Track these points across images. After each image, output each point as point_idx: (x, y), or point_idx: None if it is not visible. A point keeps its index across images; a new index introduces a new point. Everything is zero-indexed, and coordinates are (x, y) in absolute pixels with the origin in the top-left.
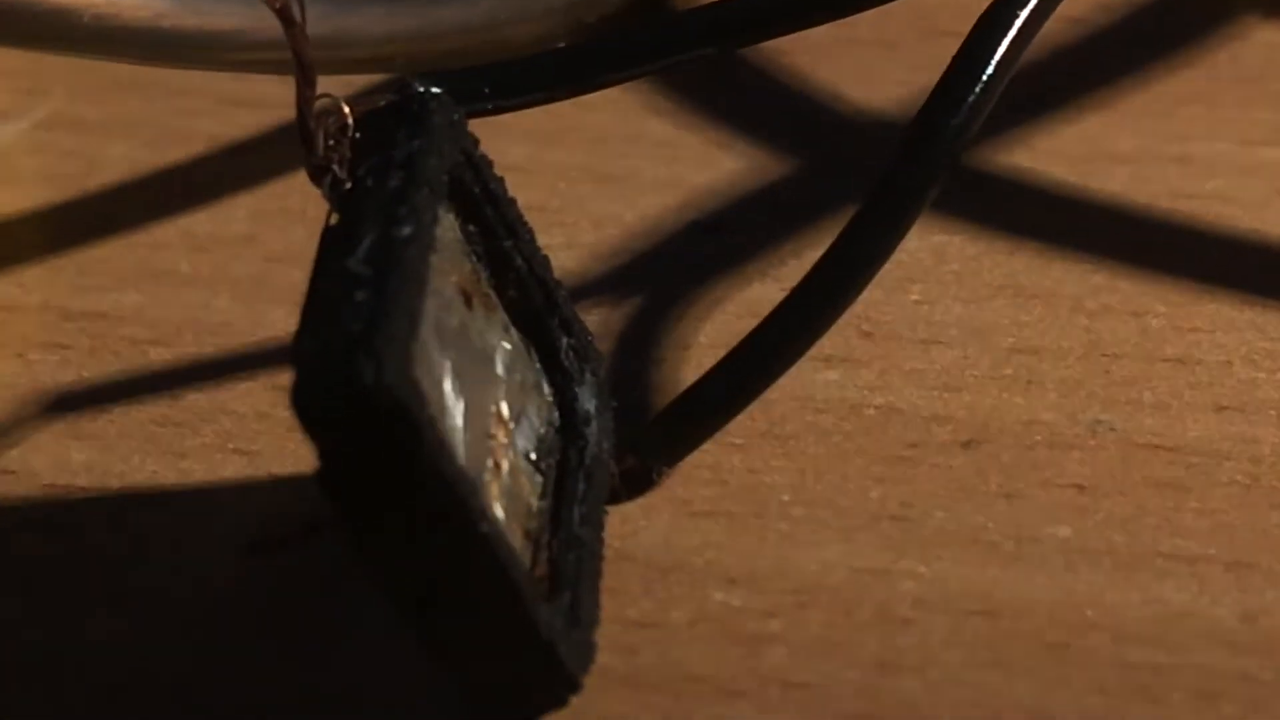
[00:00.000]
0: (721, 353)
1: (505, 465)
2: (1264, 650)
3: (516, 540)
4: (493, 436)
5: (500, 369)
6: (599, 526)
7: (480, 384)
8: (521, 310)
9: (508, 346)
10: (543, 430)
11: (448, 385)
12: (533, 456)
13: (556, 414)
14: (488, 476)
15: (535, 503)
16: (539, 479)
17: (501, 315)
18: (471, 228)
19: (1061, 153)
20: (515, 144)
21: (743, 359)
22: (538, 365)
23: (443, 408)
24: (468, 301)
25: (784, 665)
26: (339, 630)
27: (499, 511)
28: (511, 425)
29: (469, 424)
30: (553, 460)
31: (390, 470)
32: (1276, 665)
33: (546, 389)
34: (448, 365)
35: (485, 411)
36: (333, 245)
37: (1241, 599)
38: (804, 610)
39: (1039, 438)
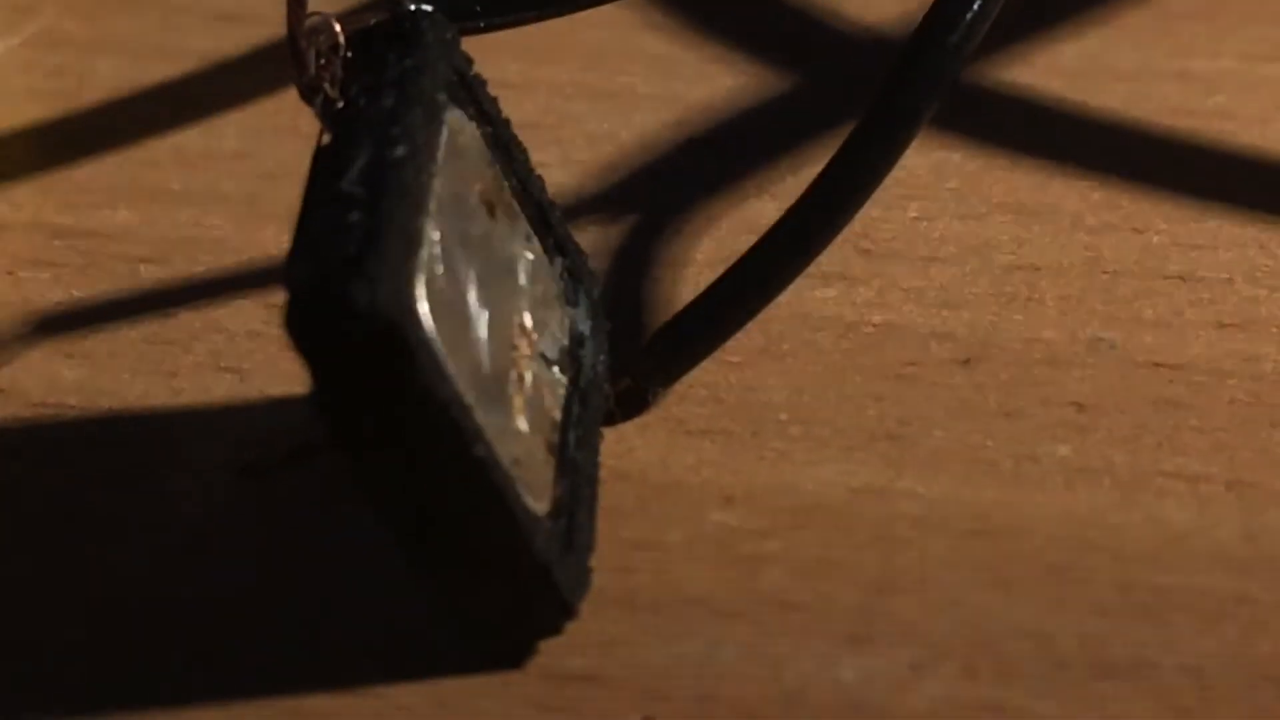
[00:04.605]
0: (718, 271)
1: (529, 377)
2: (1265, 570)
3: (539, 454)
4: (516, 348)
5: (523, 279)
6: (595, 450)
7: (504, 294)
8: None
9: (530, 256)
10: (565, 341)
11: (472, 295)
12: (556, 368)
13: (584, 324)
14: (511, 389)
15: (558, 415)
16: (561, 392)
17: (524, 225)
18: (489, 129)
19: (1061, 69)
20: (509, 60)
21: (740, 277)
22: (560, 275)
23: (467, 317)
24: (490, 210)
25: (781, 585)
26: (333, 552)
27: (523, 425)
28: (535, 336)
29: (493, 334)
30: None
31: (385, 393)
32: (1277, 586)
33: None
34: (472, 275)
35: (509, 322)
36: (325, 166)
37: (1243, 519)
38: (801, 530)
39: (1039, 355)
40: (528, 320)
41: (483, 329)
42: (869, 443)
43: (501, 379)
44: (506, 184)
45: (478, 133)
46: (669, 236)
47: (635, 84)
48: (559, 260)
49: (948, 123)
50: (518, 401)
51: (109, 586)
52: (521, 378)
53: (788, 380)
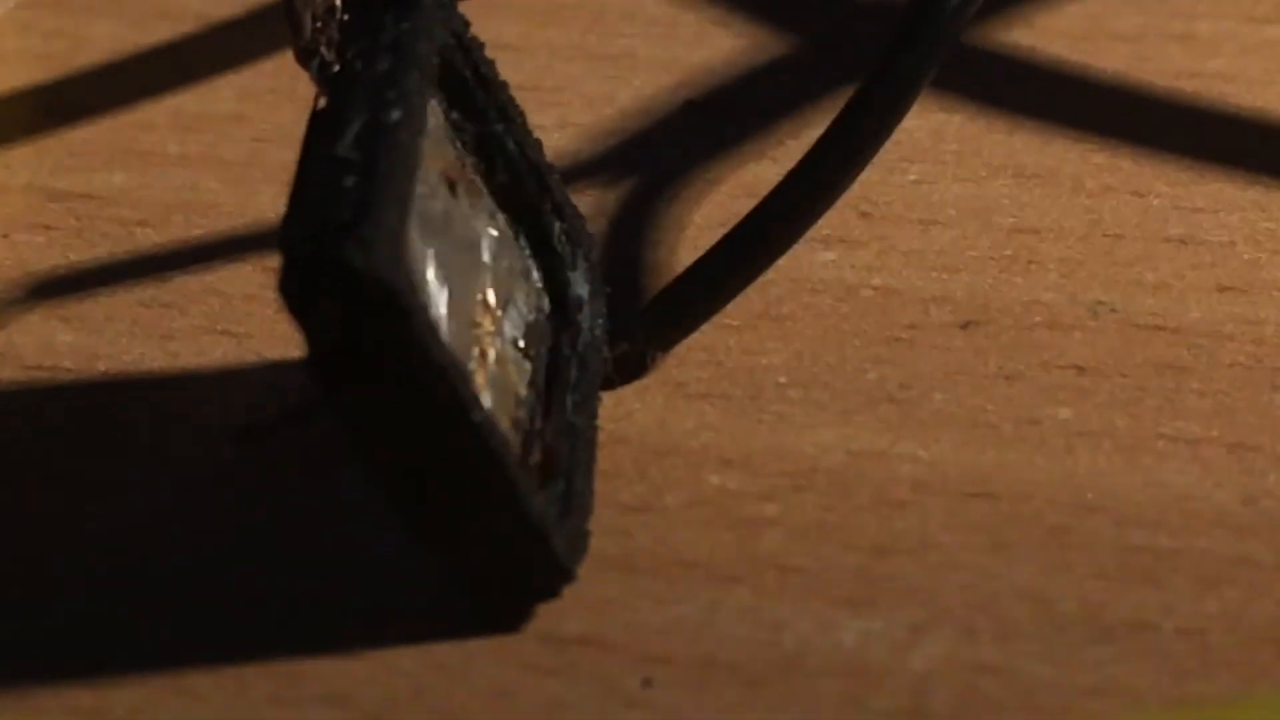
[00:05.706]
0: (718, 234)
1: (492, 354)
2: (1265, 533)
3: (503, 430)
4: (478, 325)
5: (486, 256)
6: (593, 414)
7: (465, 272)
8: (513, 195)
9: (494, 233)
10: (531, 317)
11: (431, 273)
12: (521, 344)
13: (546, 300)
14: (473, 366)
15: (523, 391)
16: (527, 367)
17: (488, 201)
18: (455, 114)
19: (1063, 30)
20: (508, 22)
21: (740, 241)
22: (526, 251)
23: (426, 297)
24: (451, 188)
25: (780, 549)
26: (329, 516)
27: (486, 401)
28: (499, 313)
29: (453, 313)
30: (543, 348)
31: (381, 358)
32: (1278, 548)
33: (536, 275)
34: (430, 253)
35: (470, 300)
36: (321, 129)
37: (1243, 481)
38: (800, 493)
39: (1039, 319)
40: (491, 297)
41: (442, 306)
42: (868, 406)
43: (464, 357)
44: (469, 161)
45: (440, 110)
46: (668, 200)
47: (635, 46)
48: (557, 224)
49: (948, 85)
50: (480, 379)
51: (105, 550)
52: (484, 354)
53: (787, 344)
